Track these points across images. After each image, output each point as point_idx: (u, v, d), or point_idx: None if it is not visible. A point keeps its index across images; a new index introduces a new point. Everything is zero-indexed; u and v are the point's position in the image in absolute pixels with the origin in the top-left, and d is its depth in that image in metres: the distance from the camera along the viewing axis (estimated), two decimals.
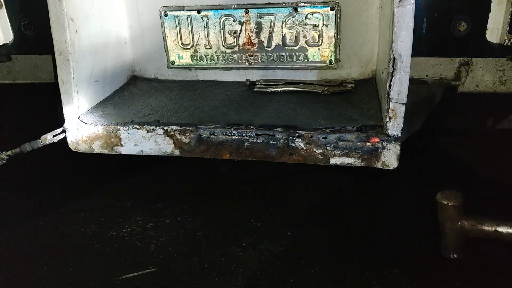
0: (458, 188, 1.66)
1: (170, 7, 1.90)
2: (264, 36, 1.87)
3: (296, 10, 1.79)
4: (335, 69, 1.89)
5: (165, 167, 2.61)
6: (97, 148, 1.71)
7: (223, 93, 1.89)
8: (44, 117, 2.01)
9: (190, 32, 1.93)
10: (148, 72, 2.10)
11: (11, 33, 1.83)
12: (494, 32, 1.49)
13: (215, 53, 1.95)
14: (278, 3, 1.80)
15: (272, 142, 1.54)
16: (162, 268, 1.80)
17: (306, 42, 1.85)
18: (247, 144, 1.57)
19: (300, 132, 1.52)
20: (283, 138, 1.53)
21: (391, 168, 1.51)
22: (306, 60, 1.88)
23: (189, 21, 1.90)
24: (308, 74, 1.93)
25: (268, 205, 2.19)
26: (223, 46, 1.92)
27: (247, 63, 1.94)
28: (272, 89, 1.85)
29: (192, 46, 1.96)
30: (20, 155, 1.76)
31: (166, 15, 1.91)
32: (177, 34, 1.95)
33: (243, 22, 1.86)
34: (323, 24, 1.80)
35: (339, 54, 1.85)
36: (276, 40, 1.87)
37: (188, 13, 1.89)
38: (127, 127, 1.65)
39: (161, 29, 1.95)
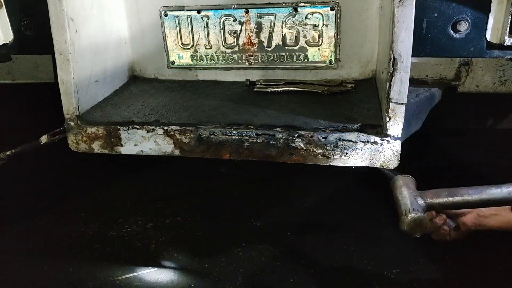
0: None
1: (170, 7, 1.90)
2: (264, 36, 1.87)
3: (296, 10, 1.79)
4: (335, 69, 1.89)
5: (165, 167, 2.61)
6: (97, 148, 1.71)
7: (223, 93, 1.89)
8: (44, 117, 2.01)
9: (190, 32, 1.93)
10: (148, 72, 2.10)
11: (11, 33, 1.83)
12: (494, 32, 1.48)
13: (215, 53, 1.95)
14: (278, 3, 1.80)
15: (272, 142, 1.54)
16: (162, 268, 1.80)
17: (306, 42, 1.85)
18: (247, 144, 1.57)
19: (300, 132, 1.52)
20: (283, 138, 1.53)
21: (391, 168, 1.51)
22: (306, 60, 1.88)
23: (189, 21, 1.90)
24: (308, 74, 1.93)
25: (268, 205, 2.19)
26: (223, 46, 1.92)
27: (247, 63, 1.94)
28: (272, 89, 1.85)
29: (192, 46, 1.96)
30: (20, 155, 1.76)
31: (166, 15, 1.91)
32: (177, 34, 1.94)
33: (243, 22, 1.85)
34: (323, 24, 1.80)
35: (339, 54, 1.85)
36: (276, 40, 1.87)
37: (188, 13, 1.89)
38: (127, 127, 1.65)
39: (161, 29, 1.95)
